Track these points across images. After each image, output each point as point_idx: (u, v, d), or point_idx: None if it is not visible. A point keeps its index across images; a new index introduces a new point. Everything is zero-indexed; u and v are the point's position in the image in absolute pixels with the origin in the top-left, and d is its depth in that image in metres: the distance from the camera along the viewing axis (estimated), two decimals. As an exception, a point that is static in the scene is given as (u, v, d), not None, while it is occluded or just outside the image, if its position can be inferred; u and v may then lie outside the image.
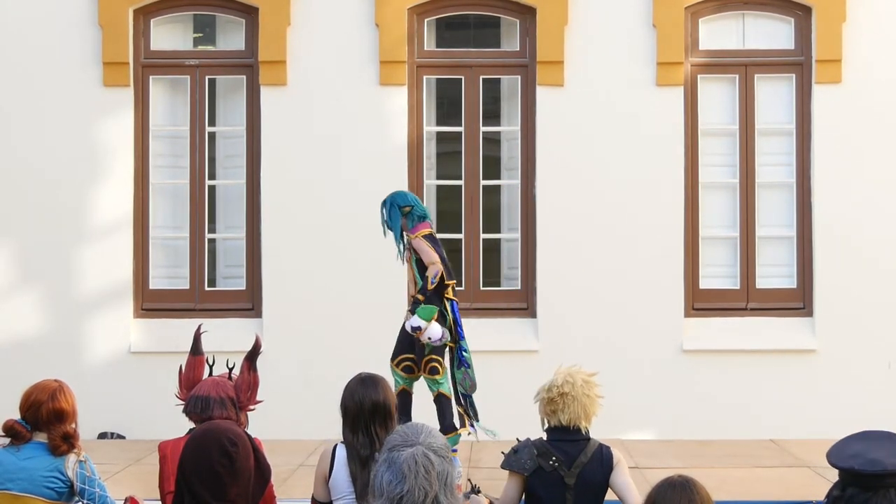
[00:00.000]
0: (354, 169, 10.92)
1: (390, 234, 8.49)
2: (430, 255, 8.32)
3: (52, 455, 5.56)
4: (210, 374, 5.63)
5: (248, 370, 5.50)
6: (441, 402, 8.43)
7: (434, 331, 8.30)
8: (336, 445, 5.39)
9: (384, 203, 8.53)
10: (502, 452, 5.77)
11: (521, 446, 5.69)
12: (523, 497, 5.70)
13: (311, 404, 10.44)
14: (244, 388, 5.46)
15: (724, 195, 11.16)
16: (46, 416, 5.56)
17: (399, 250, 8.52)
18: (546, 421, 5.72)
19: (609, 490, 5.65)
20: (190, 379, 5.59)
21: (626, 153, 10.91)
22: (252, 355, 5.55)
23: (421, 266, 8.40)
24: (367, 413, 5.27)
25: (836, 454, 4.42)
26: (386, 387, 5.39)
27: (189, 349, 5.73)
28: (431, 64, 11.17)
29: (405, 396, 8.39)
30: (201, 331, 5.77)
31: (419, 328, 8.26)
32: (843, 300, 10.86)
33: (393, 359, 8.51)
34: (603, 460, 5.61)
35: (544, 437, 5.72)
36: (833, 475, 4.48)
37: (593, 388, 5.72)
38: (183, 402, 5.54)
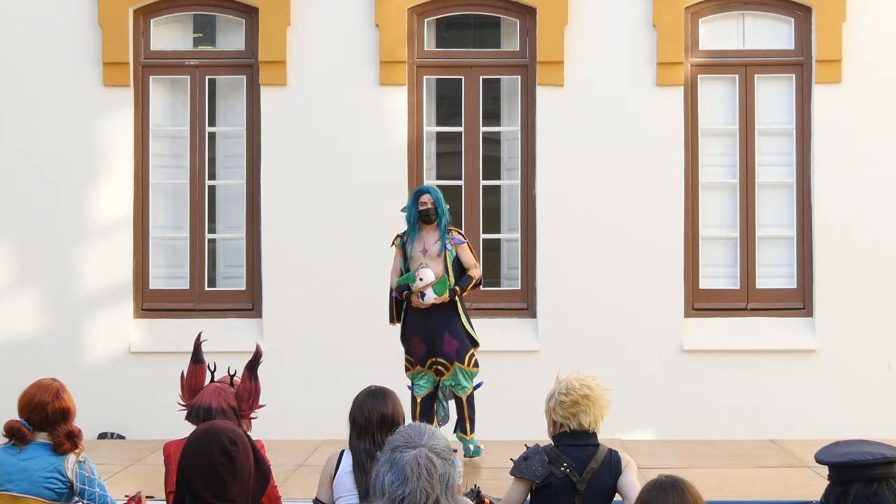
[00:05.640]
0: (355, 169, 10.92)
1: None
2: (475, 261, 8.91)
3: (55, 454, 5.57)
4: (212, 380, 5.62)
5: (249, 378, 5.50)
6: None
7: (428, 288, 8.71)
8: (343, 451, 5.45)
9: (432, 191, 8.84)
10: (511, 459, 5.73)
11: (530, 453, 5.63)
12: (528, 501, 5.67)
13: (311, 404, 10.44)
14: (245, 396, 5.47)
15: (724, 195, 11.16)
16: (53, 414, 5.57)
17: (444, 241, 8.78)
18: (561, 425, 5.64)
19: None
20: (192, 386, 5.58)
21: (627, 153, 10.91)
22: (253, 364, 5.54)
23: (458, 264, 8.81)
24: (375, 425, 5.33)
25: (829, 454, 4.42)
26: (394, 399, 5.44)
27: (190, 355, 5.71)
28: (431, 64, 11.16)
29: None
30: (201, 339, 5.75)
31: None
32: (843, 300, 10.85)
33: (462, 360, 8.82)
34: (612, 465, 5.58)
35: (552, 444, 5.68)
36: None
37: (604, 391, 5.72)
38: (185, 408, 5.54)
